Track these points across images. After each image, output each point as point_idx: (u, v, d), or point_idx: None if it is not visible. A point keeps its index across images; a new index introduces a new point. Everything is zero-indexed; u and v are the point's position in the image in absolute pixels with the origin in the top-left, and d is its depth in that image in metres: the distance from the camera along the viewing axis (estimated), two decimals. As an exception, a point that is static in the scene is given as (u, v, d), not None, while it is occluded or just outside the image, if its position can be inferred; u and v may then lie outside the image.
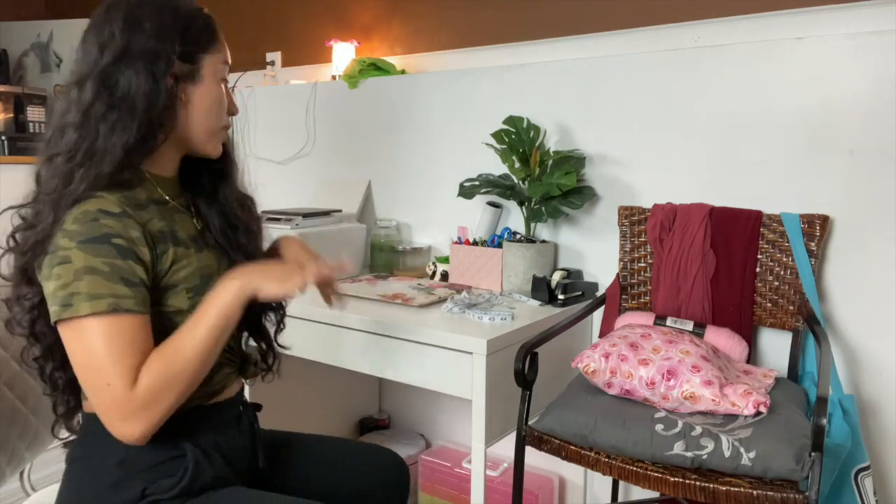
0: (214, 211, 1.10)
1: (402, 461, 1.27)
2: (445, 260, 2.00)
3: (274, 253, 1.19)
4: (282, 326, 1.23)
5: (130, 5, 0.95)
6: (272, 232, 1.64)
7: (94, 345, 0.88)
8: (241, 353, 1.14)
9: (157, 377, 0.89)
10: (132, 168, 0.97)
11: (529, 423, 1.35)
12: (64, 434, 1.08)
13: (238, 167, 1.15)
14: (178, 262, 0.98)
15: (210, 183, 1.11)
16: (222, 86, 1.04)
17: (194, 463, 0.98)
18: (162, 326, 0.95)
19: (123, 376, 0.87)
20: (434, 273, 1.99)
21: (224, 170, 1.12)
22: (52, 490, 1.14)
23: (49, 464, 1.46)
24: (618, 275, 1.73)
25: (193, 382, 0.93)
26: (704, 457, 1.16)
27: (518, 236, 1.85)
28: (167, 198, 1.03)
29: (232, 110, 1.07)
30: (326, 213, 2.03)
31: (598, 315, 1.77)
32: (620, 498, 1.85)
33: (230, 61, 1.06)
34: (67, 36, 3.31)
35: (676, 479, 1.15)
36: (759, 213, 1.56)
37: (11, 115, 2.79)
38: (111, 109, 0.93)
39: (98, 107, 0.93)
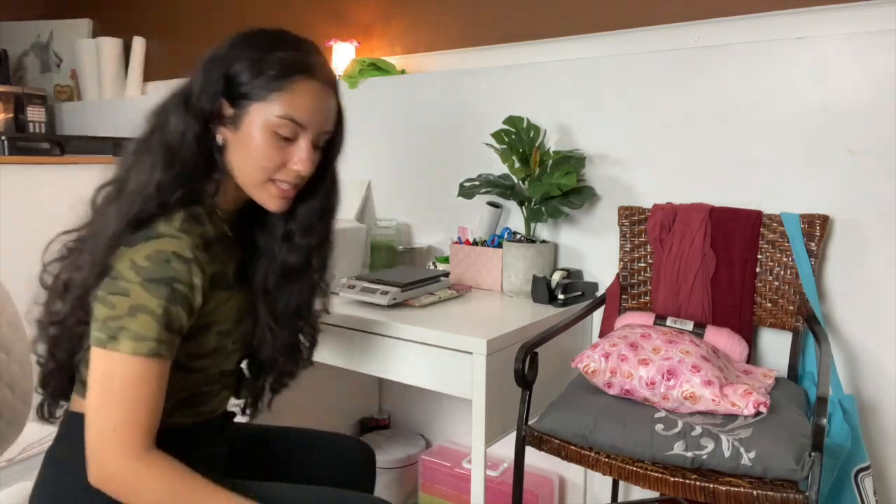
0: (267, 248, 1.09)
1: (367, 446, 1.32)
2: (445, 260, 2.00)
3: None
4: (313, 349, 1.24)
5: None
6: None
7: (121, 383, 0.87)
8: (239, 376, 1.17)
9: (163, 489, 0.87)
10: (200, 203, 0.98)
11: (529, 423, 1.35)
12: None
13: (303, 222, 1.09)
14: (222, 305, 1.00)
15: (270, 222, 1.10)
16: (274, 138, 0.97)
17: None
18: (175, 365, 0.94)
19: (135, 431, 0.87)
20: (434, 273, 1.99)
21: (287, 216, 1.08)
22: (21, 487, 1.13)
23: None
24: (618, 275, 1.73)
25: None
26: (704, 457, 1.16)
27: (518, 236, 1.85)
28: (230, 234, 1.04)
29: (294, 167, 0.99)
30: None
31: (598, 315, 1.77)
32: (620, 498, 1.85)
33: (305, 120, 0.98)
34: (67, 36, 3.31)
35: (676, 479, 1.15)
36: (759, 213, 1.56)
37: (11, 115, 2.79)
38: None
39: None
